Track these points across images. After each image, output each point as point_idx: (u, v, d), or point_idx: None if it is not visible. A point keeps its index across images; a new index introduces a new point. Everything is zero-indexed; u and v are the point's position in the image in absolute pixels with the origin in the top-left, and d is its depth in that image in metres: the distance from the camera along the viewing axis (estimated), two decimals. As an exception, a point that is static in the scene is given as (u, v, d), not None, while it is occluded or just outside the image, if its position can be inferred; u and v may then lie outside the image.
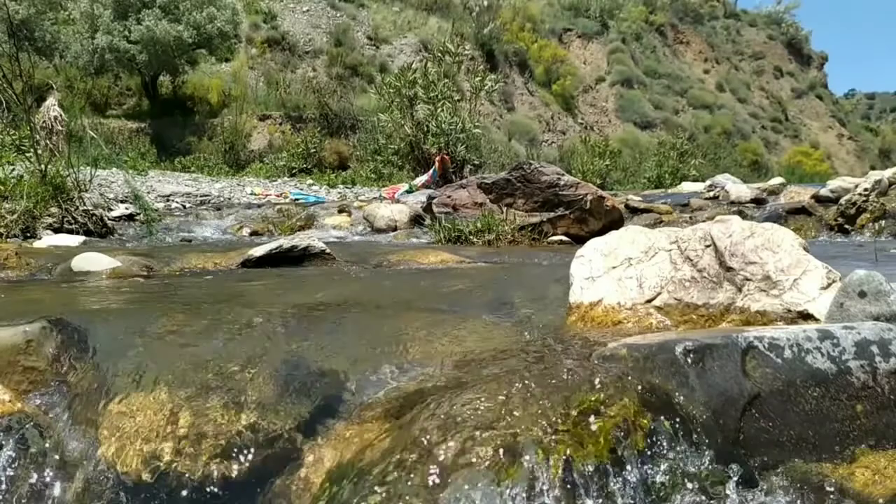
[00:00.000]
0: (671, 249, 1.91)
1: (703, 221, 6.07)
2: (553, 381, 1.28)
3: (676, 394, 1.25)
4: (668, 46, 41.17)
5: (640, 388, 1.24)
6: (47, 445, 1.32)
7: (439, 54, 16.55)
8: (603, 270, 1.98)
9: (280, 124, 21.01)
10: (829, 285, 1.66)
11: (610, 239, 2.04)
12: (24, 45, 16.62)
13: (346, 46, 25.68)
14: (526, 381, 1.29)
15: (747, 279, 1.75)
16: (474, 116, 15.29)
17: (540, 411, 1.18)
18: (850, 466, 1.22)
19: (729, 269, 1.78)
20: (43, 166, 6.00)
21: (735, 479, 1.20)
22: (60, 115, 6.27)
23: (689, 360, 1.28)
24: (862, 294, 1.46)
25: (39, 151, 6.16)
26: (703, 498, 1.16)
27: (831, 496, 1.18)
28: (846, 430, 1.25)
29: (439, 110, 14.06)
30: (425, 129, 14.37)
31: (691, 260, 1.86)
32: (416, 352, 1.57)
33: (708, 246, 1.85)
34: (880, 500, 1.18)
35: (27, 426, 1.33)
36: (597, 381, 1.26)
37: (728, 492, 1.18)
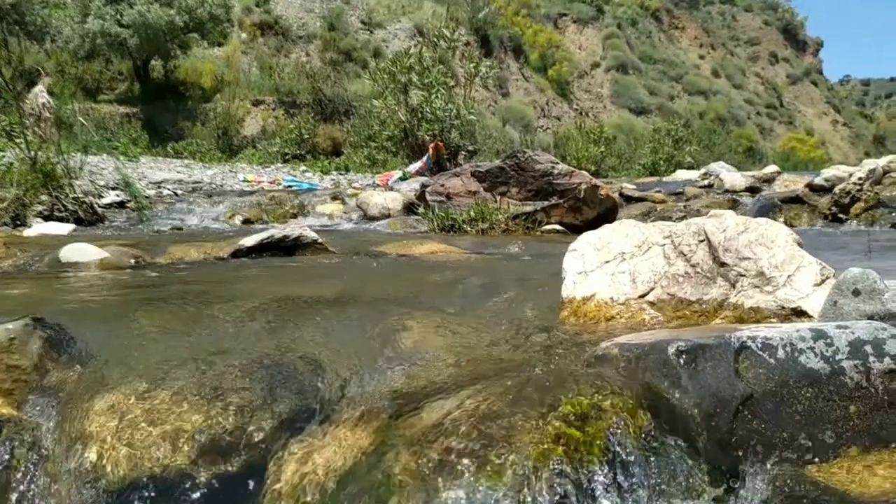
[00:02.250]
0: (665, 244, 1.90)
1: (698, 210, 6.07)
2: (545, 381, 1.26)
3: (669, 395, 1.23)
4: (664, 32, 41.09)
5: (632, 389, 1.23)
6: (31, 445, 1.30)
7: (434, 39, 16.45)
8: (596, 265, 1.96)
9: (273, 109, 20.92)
10: (822, 282, 1.64)
11: (603, 233, 2.02)
12: (14, 30, 16.50)
13: (340, 31, 25.54)
14: (518, 382, 1.27)
15: (741, 275, 1.73)
16: (469, 103, 15.23)
17: (533, 413, 1.17)
18: (843, 467, 1.21)
19: (723, 264, 1.77)
20: (33, 153, 5.95)
21: (728, 480, 1.18)
22: (49, 102, 6.21)
23: (682, 361, 1.26)
24: (856, 292, 1.44)
25: (29, 138, 6.10)
26: (696, 499, 1.15)
27: (823, 498, 1.17)
28: (839, 431, 1.23)
29: (434, 96, 14.00)
30: (419, 115, 14.31)
31: (685, 255, 1.84)
32: (406, 350, 1.55)
33: (702, 241, 1.83)
34: (873, 502, 1.17)
35: (10, 426, 1.31)
36: (589, 382, 1.24)
37: (720, 493, 1.17)
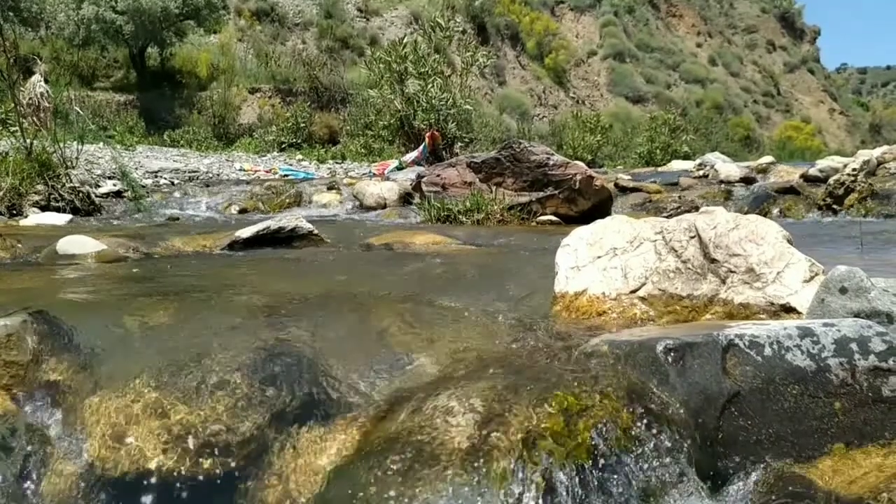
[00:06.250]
0: (656, 240, 1.91)
1: (692, 201, 6.08)
2: (535, 378, 1.28)
3: (657, 392, 1.25)
4: (661, 19, 40.98)
5: (621, 386, 1.25)
6: (29, 442, 1.32)
7: (430, 29, 16.39)
8: (588, 260, 1.98)
9: (270, 97, 20.85)
10: (811, 278, 1.66)
11: (595, 228, 2.04)
12: (8, 16, 16.40)
13: (337, 18, 25.43)
14: (508, 379, 1.29)
15: (731, 271, 1.75)
16: (465, 91, 15.19)
17: (521, 410, 1.19)
18: (828, 464, 1.23)
19: (713, 260, 1.79)
20: (28, 142, 5.94)
21: (714, 477, 1.21)
22: (47, 92, 6.20)
23: (670, 359, 1.29)
24: (843, 290, 1.46)
25: (26, 126, 6.10)
26: (683, 496, 1.17)
27: (808, 494, 1.19)
28: (824, 428, 1.26)
29: (430, 86, 13.96)
30: (416, 104, 14.28)
31: (676, 251, 1.86)
32: (398, 345, 1.56)
33: (693, 237, 1.85)
34: (857, 498, 1.19)
35: (8, 422, 1.32)
36: (578, 379, 1.26)
37: (706, 490, 1.19)
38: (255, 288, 2.22)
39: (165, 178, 9.52)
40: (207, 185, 8.47)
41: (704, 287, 1.79)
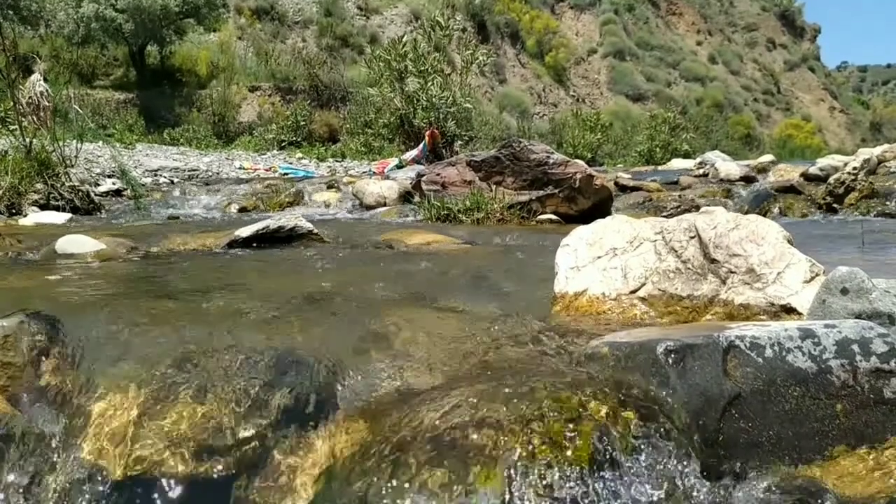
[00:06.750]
0: (656, 240, 1.91)
1: (692, 199, 6.08)
2: (534, 381, 1.27)
3: (657, 394, 1.24)
4: (661, 18, 40.96)
5: (621, 388, 1.24)
6: (26, 443, 1.31)
7: (430, 27, 16.37)
8: (588, 260, 1.97)
9: (270, 96, 20.84)
10: (812, 279, 1.66)
11: (595, 228, 2.04)
12: (7, 14, 16.40)
13: (336, 16, 25.43)
14: (508, 380, 1.29)
15: (731, 272, 1.74)
16: (465, 90, 15.16)
17: (520, 413, 1.18)
18: (829, 466, 1.23)
19: (713, 260, 1.78)
20: (28, 141, 5.93)
21: (714, 479, 1.20)
22: (46, 90, 6.19)
23: (671, 361, 1.28)
24: (844, 291, 1.46)
25: (25, 124, 6.08)
26: (684, 499, 1.16)
27: (809, 496, 1.18)
28: (825, 430, 1.25)
29: (429, 84, 13.94)
30: (415, 102, 14.26)
31: (676, 251, 1.86)
32: (396, 347, 1.56)
33: (693, 237, 1.84)
34: (858, 501, 1.19)
35: (5, 424, 1.32)
36: (578, 381, 1.25)
37: (707, 493, 1.18)
38: (255, 287, 2.21)
39: (165, 177, 9.52)
40: (207, 184, 8.46)
41: (705, 287, 1.78)
